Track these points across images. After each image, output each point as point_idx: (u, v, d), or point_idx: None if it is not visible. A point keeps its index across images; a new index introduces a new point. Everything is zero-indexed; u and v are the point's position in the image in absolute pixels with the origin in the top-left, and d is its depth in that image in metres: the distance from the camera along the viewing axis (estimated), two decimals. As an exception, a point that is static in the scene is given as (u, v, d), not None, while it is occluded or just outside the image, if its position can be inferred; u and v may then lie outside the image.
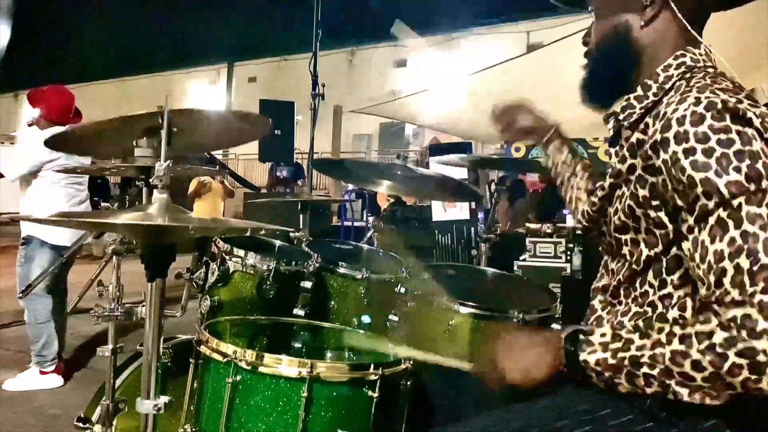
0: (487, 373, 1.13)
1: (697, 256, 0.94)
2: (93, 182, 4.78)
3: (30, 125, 3.61)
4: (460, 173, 4.94)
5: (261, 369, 1.34)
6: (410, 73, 17.83)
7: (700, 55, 1.11)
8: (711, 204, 0.92)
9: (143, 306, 1.38)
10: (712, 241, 0.92)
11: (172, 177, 1.16)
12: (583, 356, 1.01)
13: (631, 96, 1.13)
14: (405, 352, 1.44)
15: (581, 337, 1.02)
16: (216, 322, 1.67)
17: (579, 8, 1.29)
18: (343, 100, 14.79)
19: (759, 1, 4.14)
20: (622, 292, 1.14)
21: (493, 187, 2.63)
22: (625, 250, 1.11)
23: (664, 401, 1.00)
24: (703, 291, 0.94)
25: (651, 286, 1.08)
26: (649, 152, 1.01)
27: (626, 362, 0.95)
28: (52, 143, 1.48)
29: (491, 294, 2.15)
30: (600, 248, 1.24)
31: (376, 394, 1.33)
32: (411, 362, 1.44)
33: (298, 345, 1.72)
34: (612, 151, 1.19)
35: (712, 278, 0.91)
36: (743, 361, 0.84)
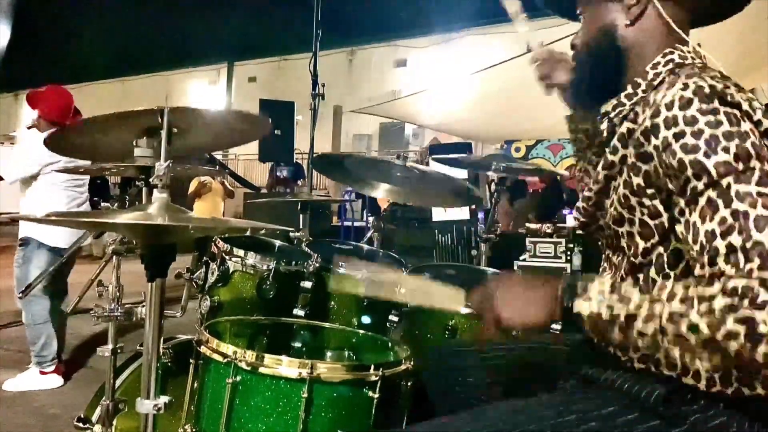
0: (484, 312, 1.12)
1: (689, 238, 0.94)
2: (93, 182, 4.77)
3: (30, 128, 3.60)
4: (460, 173, 4.95)
5: (261, 369, 1.34)
6: (410, 73, 17.84)
7: (688, 52, 1.12)
8: (700, 185, 0.93)
9: (143, 306, 1.38)
10: (703, 222, 0.92)
11: (172, 177, 1.16)
12: (577, 307, 1.00)
13: (622, 95, 1.15)
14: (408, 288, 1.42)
15: (579, 287, 1.01)
16: (216, 322, 1.67)
17: (572, 17, 1.30)
18: (343, 100, 14.80)
19: (759, 2, 4.15)
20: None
21: (493, 187, 2.62)
22: (623, 242, 1.11)
23: (672, 398, 0.99)
24: (698, 271, 0.93)
25: (653, 281, 1.08)
26: (641, 139, 1.02)
27: (621, 317, 0.94)
28: (51, 148, 1.47)
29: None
30: (600, 243, 1.24)
31: (376, 395, 1.33)
32: (411, 362, 1.44)
33: (298, 345, 1.72)
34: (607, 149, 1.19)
35: (705, 258, 0.91)
36: (741, 329, 0.82)
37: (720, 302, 0.85)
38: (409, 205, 6.13)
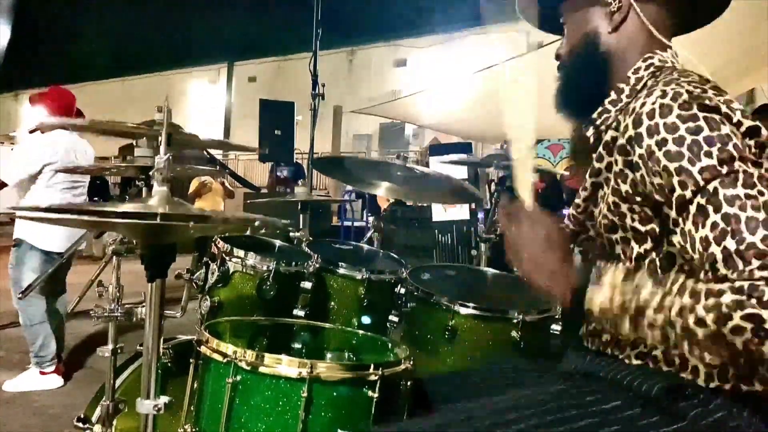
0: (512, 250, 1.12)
1: (688, 247, 0.95)
2: (93, 182, 4.78)
3: (32, 132, 3.61)
4: (460, 173, 4.95)
5: (261, 369, 1.34)
6: (410, 73, 17.85)
7: (668, 57, 1.14)
8: (688, 193, 0.93)
9: (143, 306, 1.38)
10: (696, 229, 0.92)
11: (173, 177, 1.16)
12: (589, 292, 1.00)
13: (606, 101, 1.17)
14: None
15: (592, 274, 1.01)
16: (216, 322, 1.67)
17: (557, 31, 1.32)
18: (343, 100, 14.79)
19: (759, 2, 4.14)
20: None
21: (493, 187, 2.63)
22: (618, 249, 1.12)
23: (672, 393, 1.00)
24: (703, 277, 0.94)
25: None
26: (627, 148, 1.03)
27: (632, 307, 0.95)
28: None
29: (491, 294, 2.15)
30: (589, 255, 1.24)
31: (376, 395, 1.33)
32: (411, 362, 1.44)
33: (298, 345, 1.72)
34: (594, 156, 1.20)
35: (707, 266, 0.91)
36: (748, 325, 0.83)
37: (727, 298, 0.85)
38: (409, 205, 6.14)
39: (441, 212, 5.71)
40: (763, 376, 0.97)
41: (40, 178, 3.48)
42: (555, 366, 1.27)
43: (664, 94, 0.99)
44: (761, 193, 0.89)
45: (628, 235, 1.08)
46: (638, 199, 1.04)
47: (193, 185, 6.75)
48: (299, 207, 2.25)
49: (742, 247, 0.86)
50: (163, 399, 1.22)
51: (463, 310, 1.77)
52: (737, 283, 0.85)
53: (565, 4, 1.25)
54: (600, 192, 1.13)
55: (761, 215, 0.87)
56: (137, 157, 1.52)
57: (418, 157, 11.61)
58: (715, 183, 0.91)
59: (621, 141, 1.04)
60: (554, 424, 1.02)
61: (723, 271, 0.88)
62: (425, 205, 5.72)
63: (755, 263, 0.85)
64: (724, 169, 0.91)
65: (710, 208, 0.91)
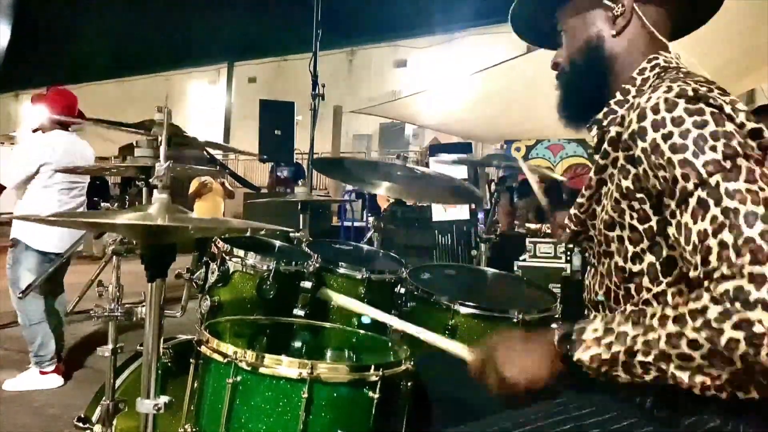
0: (487, 375, 1.13)
1: (682, 240, 0.95)
2: (93, 182, 4.78)
3: (35, 131, 3.61)
4: (460, 173, 4.95)
5: (261, 369, 1.34)
6: (410, 73, 17.85)
7: (672, 57, 1.16)
8: (690, 185, 0.93)
9: (143, 306, 1.38)
10: (695, 222, 0.92)
11: (173, 177, 1.16)
12: (577, 355, 1.01)
13: (612, 102, 1.18)
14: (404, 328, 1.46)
15: (573, 336, 1.02)
16: (216, 322, 1.67)
17: (548, 45, 1.32)
18: (343, 100, 14.79)
19: (759, 2, 4.14)
20: (616, 292, 1.14)
21: (493, 187, 2.63)
22: (614, 247, 1.12)
23: (667, 402, 0.99)
24: (692, 273, 0.94)
25: (647, 290, 1.08)
26: (629, 142, 1.03)
27: (621, 354, 0.95)
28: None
29: (491, 294, 2.15)
30: (586, 255, 1.24)
31: (376, 395, 1.33)
32: (411, 363, 1.44)
33: (298, 345, 1.72)
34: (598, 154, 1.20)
35: (698, 258, 0.91)
36: (740, 334, 0.83)
37: (713, 312, 0.85)
38: (409, 205, 6.14)
39: (441, 212, 5.71)
40: (759, 383, 0.96)
41: (38, 178, 3.48)
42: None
43: (669, 90, 1.00)
44: (762, 189, 0.89)
45: (625, 233, 1.08)
46: (639, 195, 1.04)
47: (193, 185, 6.74)
48: (299, 207, 2.25)
49: (739, 241, 0.86)
50: (163, 399, 1.22)
51: (463, 310, 1.77)
52: (720, 288, 0.85)
53: (563, 11, 1.25)
54: (603, 189, 1.13)
55: (761, 210, 0.87)
56: (137, 158, 1.52)
57: (418, 157, 11.62)
58: (718, 177, 0.91)
59: (625, 136, 1.04)
60: None
61: (714, 263, 0.88)
62: (425, 205, 5.71)
63: (747, 258, 0.85)
64: (728, 164, 0.91)
65: (711, 202, 0.91)
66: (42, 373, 3.53)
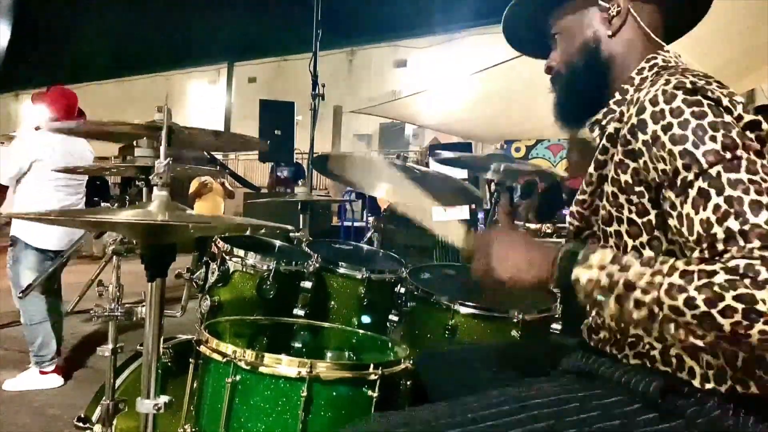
0: (478, 263, 1.12)
1: (684, 231, 0.94)
2: (93, 182, 4.79)
3: (38, 129, 3.61)
4: (460, 173, 4.94)
5: (261, 369, 1.34)
6: (410, 73, 17.84)
7: (671, 56, 1.16)
8: (690, 175, 0.93)
9: (143, 306, 1.38)
10: (697, 212, 0.92)
11: (173, 177, 1.16)
12: (576, 272, 0.99)
13: (611, 102, 1.17)
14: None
15: (580, 254, 1.00)
16: (216, 322, 1.67)
17: (543, 57, 1.31)
18: (343, 100, 14.79)
19: (759, 2, 4.14)
20: None
21: (493, 187, 2.62)
22: (611, 242, 1.12)
23: (670, 391, 1.00)
24: (697, 256, 0.92)
25: None
26: (628, 137, 1.03)
27: (620, 285, 0.94)
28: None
29: (491, 294, 2.15)
30: None
31: (375, 394, 1.33)
32: (411, 362, 1.44)
33: (297, 345, 1.72)
34: (597, 151, 1.20)
35: (704, 245, 0.90)
36: (739, 305, 0.82)
37: (720, 278, 0.85)
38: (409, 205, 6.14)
39: (441, 212, 5.70)
40: (760, 378, 0.97)
41: (30, 174, 3.47)
42: (555, 365, 1.27)
43: (667, 83, 1.00)
44: (764, 180, 0.89)
45: (623, 228, 1.08)
46: (637, 189, 1.04)
47: (193, 185, 6.75)
48: (299, 207, 2.25)
49: (746, 227, 0.86)
50: (163, 398, 1.22)
51: (463, 310, 1.77)
52: (732, 263, 0.85)
53: (558, 13, 1.24)
54: (605, 184, 1.13)
55: (765, 199, 0.87)
56: (137, 157, 1.51)
57: (418, 157, 11.61)
58: (719, 167, 0.91)
59: (623, 130, 1.04)
60: (552, 416, 1.03)
61: (722, 247, 0.88)
62: (425, 205, 5.71)
63: (756, 243, 0.85)
64: (728, 155, 0.91)
65: (713, 191, 0.90)
66: (42, 373, 3.53)
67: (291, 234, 2.19)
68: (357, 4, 14.52)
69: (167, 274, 1.21)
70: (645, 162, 1.00)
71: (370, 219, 7.59)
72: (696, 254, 0.92)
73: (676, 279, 0.88)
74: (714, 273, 0.85)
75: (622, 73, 1.17)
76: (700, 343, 0.88)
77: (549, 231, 4.31)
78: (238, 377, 1.34)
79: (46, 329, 3.52)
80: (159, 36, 21.46)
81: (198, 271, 1.91)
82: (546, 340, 1.76)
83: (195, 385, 1.53)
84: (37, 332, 3.51)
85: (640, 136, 1.00)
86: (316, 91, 3.51)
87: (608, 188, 1.09)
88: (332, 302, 1.95)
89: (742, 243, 0.86)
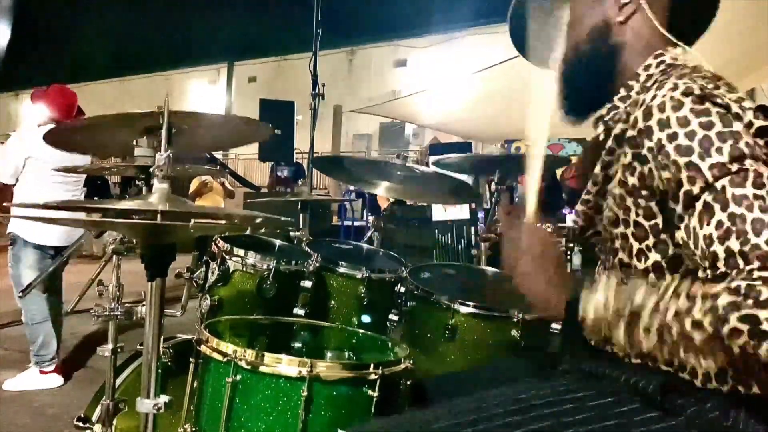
0: (506, 248, 1.17)
1: (691, 244, 0.94)
2: (93, 182, 4.78)
3: (40, 126, 3.61)
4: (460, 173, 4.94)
5: (261, 368, 1.34)
6: (410, 73, 17.84)
7: (679, 54, 1.14)
8: (696, 189, 0.93)
9: (143, 306, 1.38)
10: (701, 227, 0.92)
11: (173, 177, 1.16)
12: (584, 300, 1.01)
13: (615, 98, 1.16)
14: None
15: (585, 285, 1.02)
16: (216, 321, 1.67)
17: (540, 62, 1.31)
18: (343, 100, 14.80)
19: (759, 2, 4.13)
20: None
21: (493, 186, 2.62)
22: (617, 244, 1.12)
23: (670, 391, 1.00)
24: (700, 274, 0.94)
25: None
26: (637, 140, 1.02)
27: (626, 313, 0.95)
28: (50, 143, 1.47)
29: (491, 294, 2.15)
30: (597, 249, 1.24)
31: (375, 394, 1.33)
32: (411, 362, 1.44)
33: (298, 344, 1.72)
34: (603, 151, 1.20)
35: (707, 263, 0.91)
36: (744, 327, 0.83)
37: (723, 300, 0.85)
38: (409, 204, 6.14)
39: (441, 212, 5.70)
40: (760, 379, 0.96)
41: (28, 172, 3.47)
42: (555, 364, 1.27)
43: (675, 87, 0.98)
44: None
45: (629, 231, 1.08)
46: (644, 193, 1.03)
47: (194, 185, 6.75)
48: (299, 206, 2.25)
49: (746, 248, 0.86)
50: (163, 398, 1.22)
51: (463, 309, 1.77)
52: (734, 284, 0.85)
53: None
54: (610, 184, 1.12)
55: (767, 216, 0.86)
56: (137, 157, 1.51)
57: (418, 156, 11.61)
58: (724, 181, 0.90)
59: (631, 133, 1.03)
60: (552, 417, 1.03)
61: (722, 269, 0.88)
62: (425, 204, 5.71)
63: (756, 264, 0.85)
64: (734, 167, 0.90)
65: (717, 206, 0.90)
66: (42, 372, 3.53)
67: (291, 233, 2.19)
68: (357, 4, 14.51)
69: (167, 273, 1.21)
70: (650, 169, 1.00)
71: (370, 218, 7.59)
72: (700, 273, 0.93)
73: (681, 303, 0.89)
74: (717, 295, 0.86)
75: (630, 64, 1.15)
76: (713, 365, 0.89)
77: (549, 230, 4.30)
78: (238, 377, 1.34)
79: (47, 329, 3.52)
80: (159, 36, 21.46)
81: (198, 270, 1.91)
82: (546, 340, 1.76)
83: (195, 384, 1.53)
84: (38, 331, 3.51)
85: (647, 143, 0.99)
86: (316, 91, 3.51)
87: (616, 190, 1.09)
88: (332, 302, 1.95)
89: (742, 264, 0.86)
